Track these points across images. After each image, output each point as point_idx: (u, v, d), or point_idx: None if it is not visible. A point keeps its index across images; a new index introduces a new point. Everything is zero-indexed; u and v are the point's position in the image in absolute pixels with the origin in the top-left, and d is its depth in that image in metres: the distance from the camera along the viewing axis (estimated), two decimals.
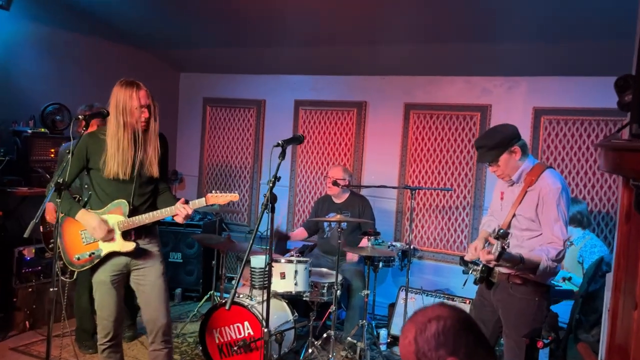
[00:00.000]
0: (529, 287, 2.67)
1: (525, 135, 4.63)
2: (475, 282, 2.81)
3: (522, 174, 2.72)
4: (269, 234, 2.51)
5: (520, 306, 2.67)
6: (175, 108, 6.26)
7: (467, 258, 2.77)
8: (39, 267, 4.29)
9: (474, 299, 2.96)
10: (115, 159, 2.83)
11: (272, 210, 2.38)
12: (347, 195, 4.62)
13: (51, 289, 2.66)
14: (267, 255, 2.42)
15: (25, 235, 2.49)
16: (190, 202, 2.91)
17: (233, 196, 2.92)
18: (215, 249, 4.45)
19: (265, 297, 2.51)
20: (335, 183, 4.45)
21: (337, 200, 4.63)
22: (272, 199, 2.36)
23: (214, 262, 4.59)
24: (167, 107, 6.06)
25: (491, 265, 2.70)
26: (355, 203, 4.60)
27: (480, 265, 2.74)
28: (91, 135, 2.87)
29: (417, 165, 5.07)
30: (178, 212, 2.88)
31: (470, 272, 2.81)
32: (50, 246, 4.16)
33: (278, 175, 2.38)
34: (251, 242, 2.28)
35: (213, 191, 2.95)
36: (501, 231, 2.62)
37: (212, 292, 4.60)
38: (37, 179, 4.35)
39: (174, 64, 6.08)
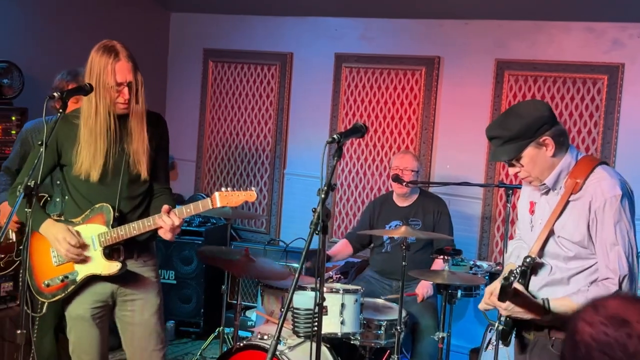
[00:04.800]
0: None
1: None
2: (500, 339, 2.76)
3: (560, 175, 2.66)
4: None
5: None
6: (163, 64, 6.42)
7: (480, 307, 2.73)
8: None
9: None
10: (87, 152, 3.01)
11: (324, 231, 2.52)
12: (415, 196, 4.75)
13: (18, 331, 2.85)
14: (317, 291, 2.57)
15: None
16: (191, 205, 3.02)
17: (248, 194, 3.01)
18: (226, 270, 4.63)
19: (311, 346, 2.67)
20: (396, 179, 4.56)
21: (401, 203, 4.76)
22: (325, 215, 2.50)
23: (223, 286, 4.78)
24: (151, 63, 6.23)
25: (506, 314, 2.63)
26: (428, 208, 4.71)
27: (503, 318, 2.70)
28: (62, 120, 3.02)
29: None
30: (161, 224, 3.01)
31: (494, 327, 2.77)
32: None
33: (333, 182, 2.51)
34: (297, 276, 2.43)
35: (222, 188, 3.02)
36: (528, 259, 2.58)
37: (220, 328, 4.79)
38: None
39: (162, 0, 6.22)
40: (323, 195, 2.50)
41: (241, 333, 4.74)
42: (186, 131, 6.31)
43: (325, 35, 5.78)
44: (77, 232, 3.06)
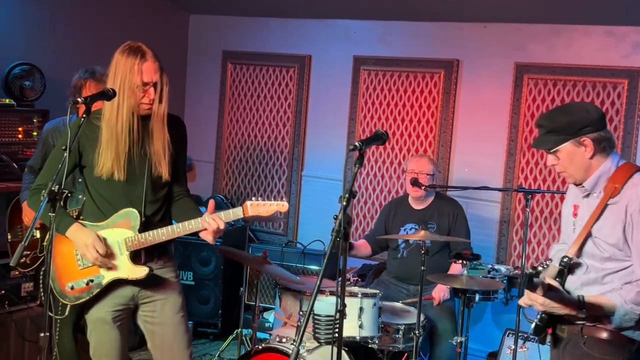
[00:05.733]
0: (615, 343, 2.71)
1: None
2: (534, 334, 2.86)
3: (599, 179, 2.76)
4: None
5: None
6: (182, 65, 6.45)
7: (520, 303, 2.82)
8: (3, 291, 4.57)
9: None
10: (108, 152, 3.03)
11: (346, 238, 2.53)
12: (431, 198, 4.74)
13: (41, 334, 2.89)
14: (338, 297, 2.58)
15: (12, 263, 2.73)
16: (222, 213, 3.07)
17: (280, 205, 3.07)
18: (245, 264, 4.63)
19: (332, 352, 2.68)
20: (415, 182, 4.56)
21: (416, 206, 4.75)
22: (346, 222, 2.51)
23: (242, 288, 4.80)
24: (170, 65, 6.25)
25: (542, 310, 2.73)
26: (443, 210, 4.71)
27: (539, 315, 2.80)
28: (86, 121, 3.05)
29: (532, 155, 5.13)
30: (206, 226, 3.05)
31: (531, 324, 2.83)
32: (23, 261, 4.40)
33: (354, 189, 2.52)
34: (318, 282, 2.44)
35: (253, 198, 3.09)
36: (565, 259, 2.71)
37: (239, 330, 4.81)
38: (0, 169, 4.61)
39: (182, 2, 6.25)
40: (345, 203, 2.51)
41: (258, 334, 4.75)
42: (204, 133, 6.34)
43: (344, 37, 5.79)
44: (104, 238, 3.08)
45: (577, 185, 2.83)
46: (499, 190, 5.06)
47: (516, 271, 4.70)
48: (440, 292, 4.50)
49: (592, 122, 2.72)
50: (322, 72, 5.89)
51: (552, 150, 2.77)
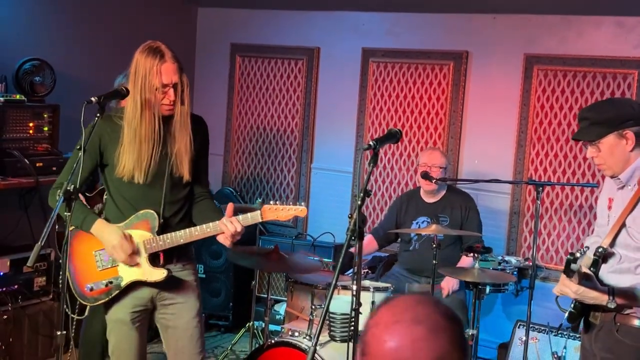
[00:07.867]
0: None
1: None
2: (568, 322, 2.93)
3: (635, 172, 2.81)
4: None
5: (632, 358, 2.79)
6: (190, 58, 6.44)
7: (554, 291, 2.86)
8: (16, 286, 4.60)
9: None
10: (130, 154, 3.01)
11: (361, 237, 2.53)
12: (443, 192, 4.75)
13: (58, 332, 2.91)
14: (353, 296, 2.59)
15: (29, 264, 2.74)
16: (240, 217, 3.03)
17: (299, 210, 3.05)
18: (257, 269, 4.66)
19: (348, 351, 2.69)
20: (426, 176, 4.56)
21: (428, 199, 4.75)
22: (361, 221, 2.51)
23: (253, 282, 4.81)
24: (179, 57, 6.25)
25: (574, 297, 2.79)
26: (456, 204, 4.71)
27: (572, 302, 2.86)
28: (105, 120, 3.06)
29: (542, 147, 5.12)
30: (224, 229, 3.02)
31: (565, 312, 2.90)
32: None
33: (368, 188, 2.52)
34: (334, 282, 2.44)
35: (271, 201, 3.07)
36: (600, 249, 2.75)
37: (250, 323, 4.83)
38: (11, 165, 4.62)
39: None
40: (359, 202, 2.51)
41: (273, 327, 4.78)
42: (214, 125, 6.24)
43: (353, 29, 5.77)
44: (129, 235, 3.07)
45: (613, 177, 2.89)
46: (510, 182, 5.06)
47: (526, 262, 4.72)
48: (450, 283, 4.51)
49: (635, 116, 2.81)
50: (331, 64, 5.88)
51: (594, 142, 2.83)
